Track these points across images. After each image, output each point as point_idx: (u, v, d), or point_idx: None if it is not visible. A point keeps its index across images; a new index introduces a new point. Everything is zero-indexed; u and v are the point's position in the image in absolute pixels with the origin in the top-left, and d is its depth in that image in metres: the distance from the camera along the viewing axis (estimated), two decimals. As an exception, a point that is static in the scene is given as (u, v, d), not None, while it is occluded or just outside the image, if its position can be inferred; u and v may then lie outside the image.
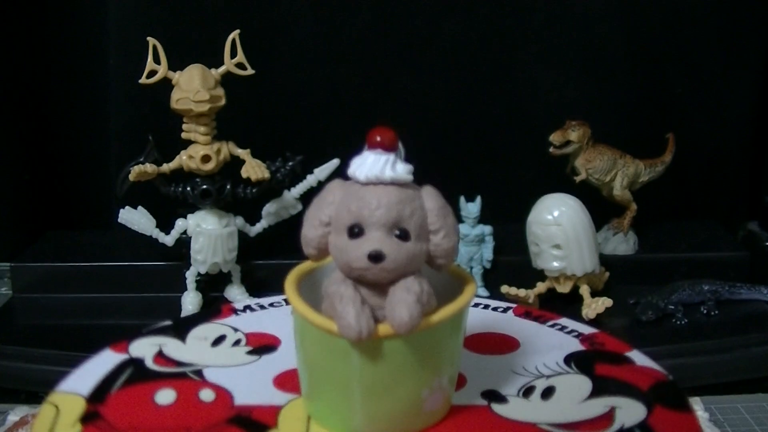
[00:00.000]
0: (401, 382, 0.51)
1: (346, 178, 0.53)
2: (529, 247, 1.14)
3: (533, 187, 1.15)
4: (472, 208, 1.17)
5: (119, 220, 1.15)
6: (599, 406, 0.56)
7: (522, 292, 1.14)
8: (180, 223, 1.14)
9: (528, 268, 1.15)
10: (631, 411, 0.56)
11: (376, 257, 0.49)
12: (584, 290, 1.13)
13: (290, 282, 0.54)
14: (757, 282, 1.17)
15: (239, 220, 1.15)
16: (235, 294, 1.15)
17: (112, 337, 0.65)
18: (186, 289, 1.14)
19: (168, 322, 0.68)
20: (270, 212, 1.18)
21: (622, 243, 1.24)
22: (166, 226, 1.15)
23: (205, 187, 1.11)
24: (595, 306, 1.11)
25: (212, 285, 1.16)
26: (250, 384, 0.59)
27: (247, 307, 0.71)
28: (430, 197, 0.52)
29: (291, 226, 1.16)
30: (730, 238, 1.30)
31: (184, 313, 1.11)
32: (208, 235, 1.12)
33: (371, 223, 0.50)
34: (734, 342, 1.06)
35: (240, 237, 1.15)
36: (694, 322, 1.12)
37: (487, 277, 1.20)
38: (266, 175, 1.10)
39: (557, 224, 1.10)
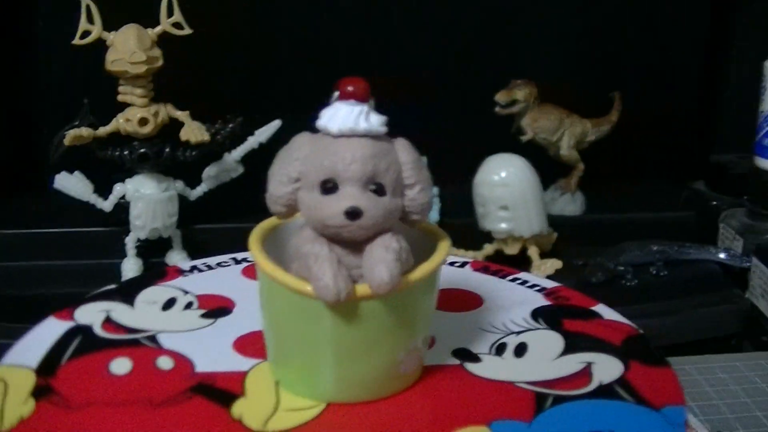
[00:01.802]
0: (377, 345, 0.49)
1: (313, 131, 0.50)
2: (475, 209, 1.12)
3: (479, 148, 1.12)
4: None
5: (54, 186, 1.11)
6: (574, 362, 0.55)
7: (470, 254, 1.13)
8: (118, 188, 1.10)
9: (475, 230, 1.13)
10: (607, 367, 0.54)
11: (352, 214, 0.47)
12: (533, 252, 1.12)
13: (254, 240, 0.51)
14: (705, 242, 1.16)
15: (179, 184, 1.12)
16: (176, 259, 1.12)
17: (54, 305, 0.61)
18: (126, 256, 1.11)
19: (112, 286, 0.65)
20: (210, 175, 1.14)
21: (569, 203, 1.23)
22: (103, 192, 1.11)
23: (143, 150, 1.07)
24: (544, 268, 1.11)
25: (152, 251, 1.13)
26: (209, 349, 0.56)
27: (194, 268, 0.68)
28: (404, 150, 0.49)
29: (232, 189, 1.14)
30: (677, 198, 1.29)
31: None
32: (147, 199, 1.09)
33: (346, 178, 0.47)
34: (684, 303, 1.05)
35: (180, 201, 1.12)
36: (643, 282, 1.10)
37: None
38: (206, 137, 1.07)
39: (504, 185, 1.08)
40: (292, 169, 0.48)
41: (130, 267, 1.10)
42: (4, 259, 1.14)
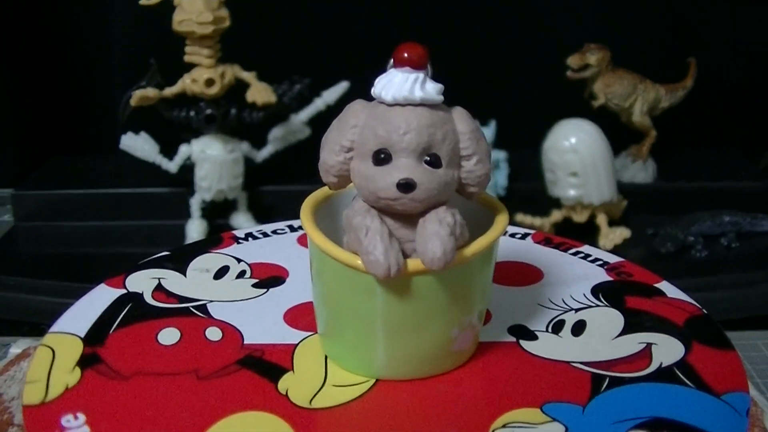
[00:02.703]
0: (430, 321, 0.48)
1: (369, 99, 0.48)
2: (544, 175, 1.10)
3: (550, 112, 1.10)
4: (486, 133, 1.12)
5: (121, 147, 1.11)
6: (634, 342, 0.53)
7: (537, 221, 1.11)
8: (184, 149, 1.10)
9: (543, 196, 1.11)
10: (668, 348, 0.52)
11: (406, 186, 0.45)
12: (601, 220, 1.10)
13: (306, 212, 0.50)
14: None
15: (245, 146, 1.11)
16: (241, 221, 1.11)
17: (116, 266, 0.61)
18: (191, 217, 1.10)
19: (165, 253, 0.64)
20: (277, 137, 1.14)
21: (640, 171, 1.19)
22: (169, 153, 1.11)
23: (209, 111, 1.07)
24: (612, 236, 1.08)
25: (218, 212, 1.13)
26: (259, 321, 0.55)
27: (249, 235, 0.67)
28: (462, 119, 0.47)
29: (298, 151, 1.13)
30: (751, 167, 1.25)
31: (188, 242, 1.07)
32: (213, 161, 1.08)
33: (400, 149, 0.45)
34: (755, 276, 1.02)
35: (246, 163, 1.11)
36: (714, 254, 1.07)
37: (501, 205, 1.16)
38: (272, 98, 1.06)
39: (574, 151, 1.06)
40: (345, 138, 0.47)
41: (195, 228, 1.10)
42: (72, 218, 1.15)
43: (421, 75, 0.46)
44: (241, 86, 1.07)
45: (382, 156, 0.46)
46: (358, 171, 0.47)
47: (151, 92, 1.04)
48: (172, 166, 1.11)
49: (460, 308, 0.48)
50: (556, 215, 1.11)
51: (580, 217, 1.10)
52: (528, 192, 1.16)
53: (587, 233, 1.10)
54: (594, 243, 1.07)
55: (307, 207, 0.50)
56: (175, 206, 1.13)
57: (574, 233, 1.08)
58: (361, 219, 0.46)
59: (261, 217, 1.13)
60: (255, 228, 0.68)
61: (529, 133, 1.11)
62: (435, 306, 0.47)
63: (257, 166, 1.14)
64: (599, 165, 1.06)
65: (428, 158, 0.46)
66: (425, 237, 0.45)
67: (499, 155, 1.16)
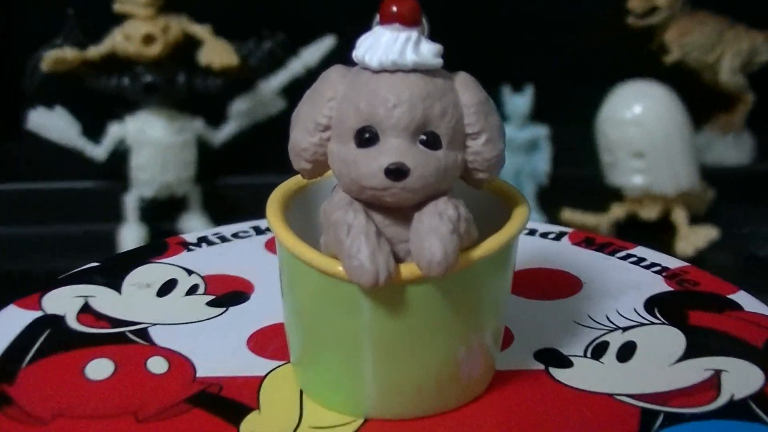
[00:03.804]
0: (430, 342, 0.50)
1: (350, 64, 0.51)
2: (600, 156, 1.13)
3: (605, 74, 1.13)
4: (519, 103, 1.16)
5: (29, 127, 1.13)
6: (697, 369, 0.55)
7: (591, 219, 1.13)
8: (115, 130, 1.13)
9: (599, 184, 1.14)
10: (741, 376, 0.54)
11: (396, 173, 0.47)
12: (678, 216, 1.12)
13: (274, 207, 0.53)
14: None
15: (198, 124, 1.14)
16: (195, 226, 1.14)
17: (29, 283, 0.63)
18: (125, 220, 1.13)
19: (94, 264, 0.67)
20: (240, 112, 1.16)
21: (731, 149, 1.22)
22: (95, 134, 1.13)
23: (149, 78, 1.10)
24: (693, 238, 1.11)
25: (161, 214, 1.15)
26: (215, 348, 0.57)
27: (203, 240, 0.70)
28: (467, 89, 0.50)
29: (269, 130, 1.15)
30: None
31: (122, 250, 1.10)
32: (155, 144, 1.11)
33: (388, 127, 0.48)
34: None
35: (199, 147, 1.13)
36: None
37: (542, 198, 1.19)
38: (234, 60, 1.09)
39: (638, 124, 1.09)
40: (320, 114, 0.49)
41: (131, 236, 1.12)
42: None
43: (413, 33, 0.48)
44: (191, 44, 1.10)
45: (367, 136, 0.48)
46: (337, 155, 0.49)
47: (69, 53, 1.07)
48: (99, 151, 1.13)
49: (467, 325, 0.51)
50: (617, 211, 1.14)
51: (649, 213, 1.13)
52: (577, 180, 1.18)
53: (660, 234, 1.12)
54: (670, 247, 1.09)
55: (275, 201, 0.53)
56: (104, 206, 1.15)
57: (642, 234, 1.11)
58: (342, 214, 0.48)
59: (219, 217, 1.15)
60: (211, 231, 0.71)
61: (578, 102, 1.14)
62: (436, 322, 0.50)
63: (214, 151, 1.16)
64: (673, 142, 1.09)
65: (424, 137, 0.48)
66: (422, 235, 0.47)
67: (539, 132, 1.19)
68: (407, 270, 0.48)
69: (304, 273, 0.50)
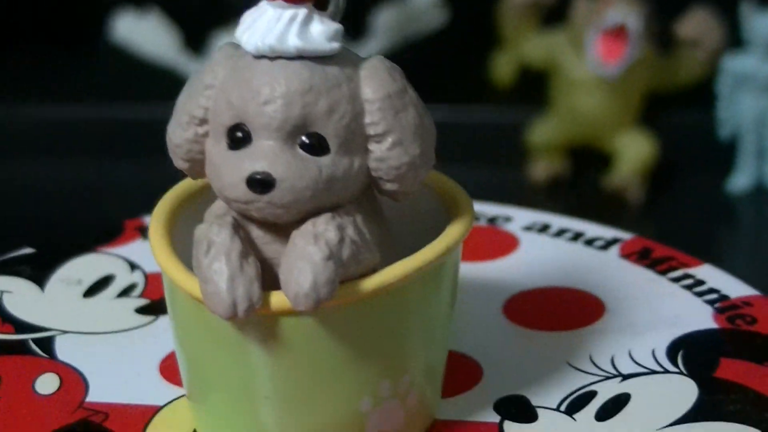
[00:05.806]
0: (323, 387, 0.45)
1: None
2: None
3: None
4: (765, 24, 1.02)
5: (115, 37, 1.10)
6: None
7: None
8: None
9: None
10: None
11: (260, 184, 0.42)
12: None
13: (158, 216, 0.48)
14: None
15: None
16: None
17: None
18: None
19: (27, 251, 0.63)
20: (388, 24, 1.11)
21: None
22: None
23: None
24: None
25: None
26: (120, 367, 0.53)
27: None
28: (372, 80, 0.43)
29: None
30: None
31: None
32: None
33: (259, 126, 0.42)
34: None
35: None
36: None
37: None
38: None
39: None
40: (196, 105, 0.44)
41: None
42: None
43: (301, 11, 0.42)
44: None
45: (239, 135, 0.43)
46: (209, 156, 0.44)
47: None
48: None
49: (372, 365, 0.45)
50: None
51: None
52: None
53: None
54: None
55: (160, 208, 0.48)
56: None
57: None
58: (206, 228, 0.43)
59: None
60: None
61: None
62: (329, 362, 0.44)
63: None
64: None
65: (305, 140, 0.42)
66: (291, 261, 0.42)
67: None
68: (277, 300, 0.42)
69: (182, 299, 0.45)
